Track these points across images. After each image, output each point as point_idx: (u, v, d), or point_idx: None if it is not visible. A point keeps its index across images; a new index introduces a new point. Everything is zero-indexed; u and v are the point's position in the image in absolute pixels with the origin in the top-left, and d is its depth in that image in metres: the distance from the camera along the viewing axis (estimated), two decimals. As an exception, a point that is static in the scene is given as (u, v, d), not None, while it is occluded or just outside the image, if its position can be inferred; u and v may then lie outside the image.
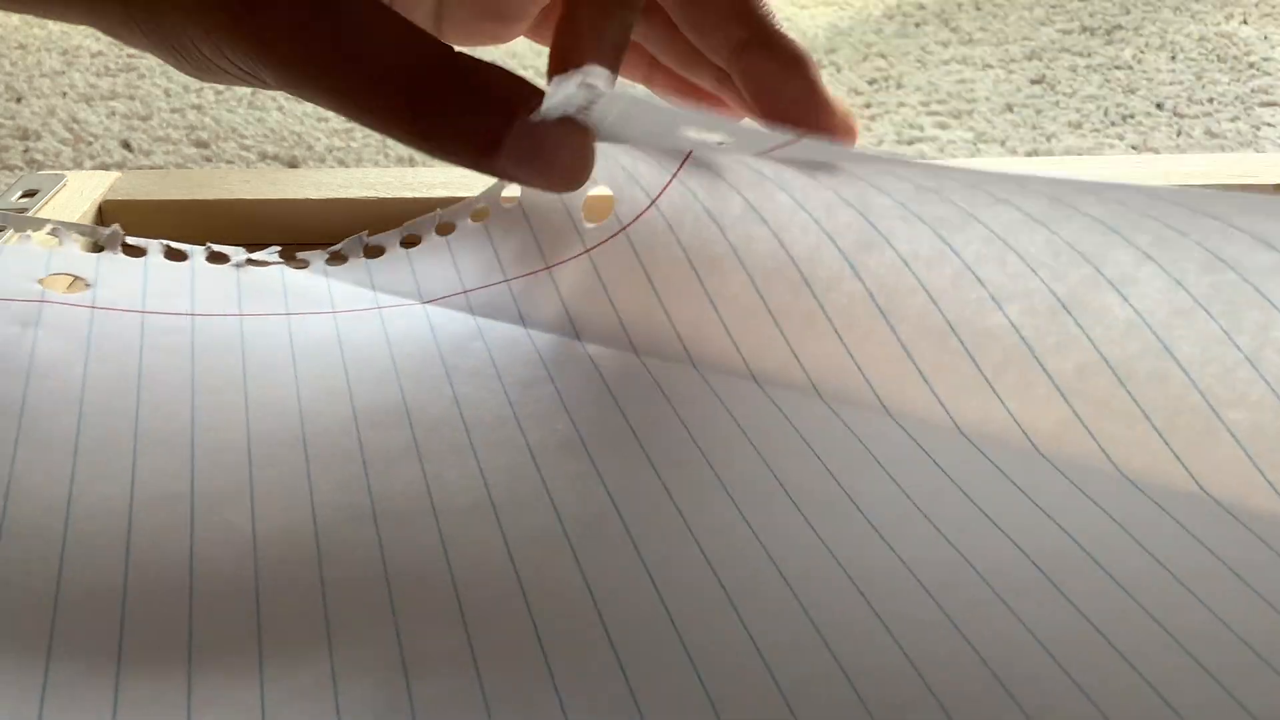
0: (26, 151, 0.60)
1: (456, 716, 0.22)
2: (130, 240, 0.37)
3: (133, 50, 0.71)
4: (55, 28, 0.75)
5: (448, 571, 0.26)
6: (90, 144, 0.60)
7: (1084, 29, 0.70)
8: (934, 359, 0.32)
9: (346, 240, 0.38)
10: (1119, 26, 0.70)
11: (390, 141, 0.60)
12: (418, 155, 0.60)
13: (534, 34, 0.34)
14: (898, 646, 0.24)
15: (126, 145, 0.61)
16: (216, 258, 0.37)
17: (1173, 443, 0.29)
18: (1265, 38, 0.67)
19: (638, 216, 0.36)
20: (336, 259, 0.38)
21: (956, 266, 0.32)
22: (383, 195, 0.42)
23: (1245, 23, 0.69)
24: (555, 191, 0.29)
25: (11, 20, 0.77)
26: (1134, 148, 0.57)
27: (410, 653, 0.24)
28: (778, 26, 0.32)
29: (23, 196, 0.41)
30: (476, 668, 0.23)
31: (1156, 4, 0.72)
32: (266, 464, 0.29)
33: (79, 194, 0.42)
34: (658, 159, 0.34)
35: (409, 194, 0.42)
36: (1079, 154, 0.56)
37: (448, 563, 0.26)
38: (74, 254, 0.36)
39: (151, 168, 0.59)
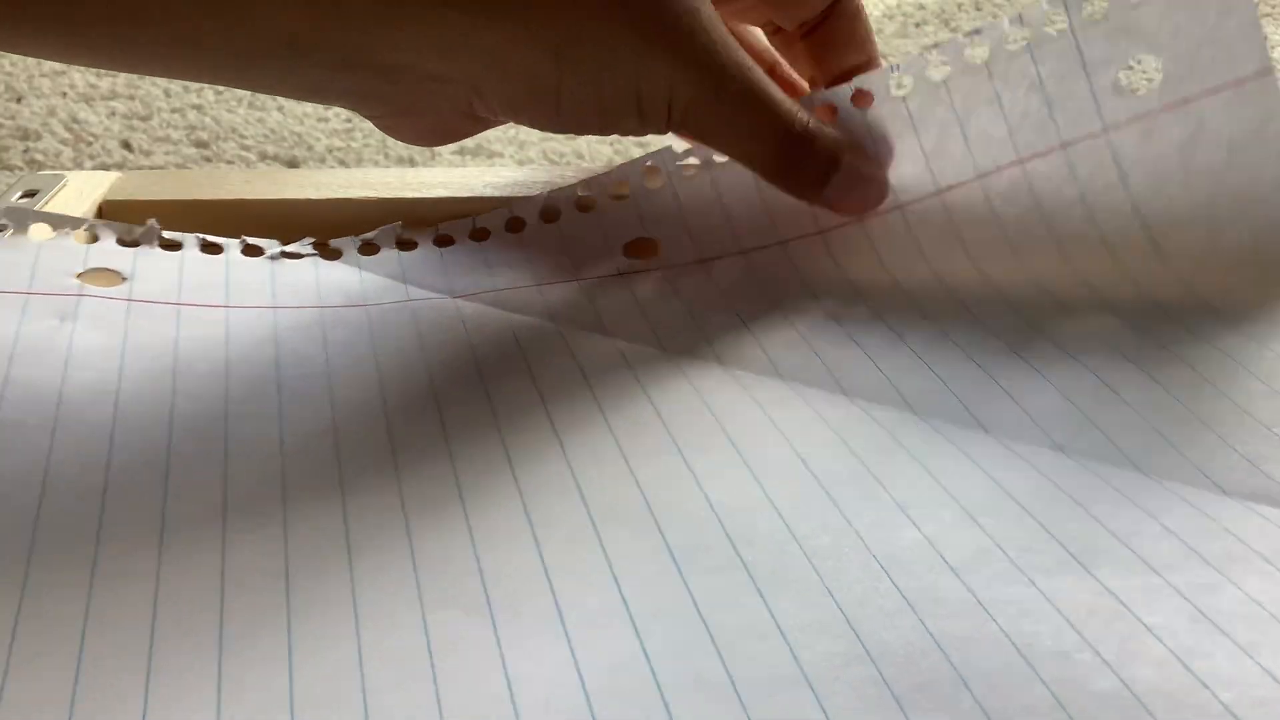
0: (26, 151, 0.59)
1: (482, 705, 0.22)
2: (167, 234, 0.37)
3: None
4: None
5: (475, 561, 0.26)
6: (90, 144, 0.60)
7: (1080, 29, 0.71)
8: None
9: (379, 230, 0.38)
10: (1115, 27, 0.71)
11: (390, 141, 0.60)
12: (418, 156, 0.60)
13: None
14: (921, 625, 0.24)
15: (126, 145, 0.60)
16: (251, 250, 0.37)
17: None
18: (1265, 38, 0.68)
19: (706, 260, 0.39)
20: (369, 248, 0.38)
21: None
22: (383, 195, 0.41)
23: (1240, 23, 0.70)
24: (862, 214, 0.38)
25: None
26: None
27: (436, 641, 0.24)
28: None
29: (23, 197, 0.40)
30: (502, 656, 0.23)
31: (1154, 4, 0.73)
32: (298, 454, 0.29)
33: (79, 194, 0.41)
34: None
35: (409, 194, 0.41)
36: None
37: (475, 554, 0.26)
38: (111, 248, 0.36)
39: (151, 168, 0.58)
